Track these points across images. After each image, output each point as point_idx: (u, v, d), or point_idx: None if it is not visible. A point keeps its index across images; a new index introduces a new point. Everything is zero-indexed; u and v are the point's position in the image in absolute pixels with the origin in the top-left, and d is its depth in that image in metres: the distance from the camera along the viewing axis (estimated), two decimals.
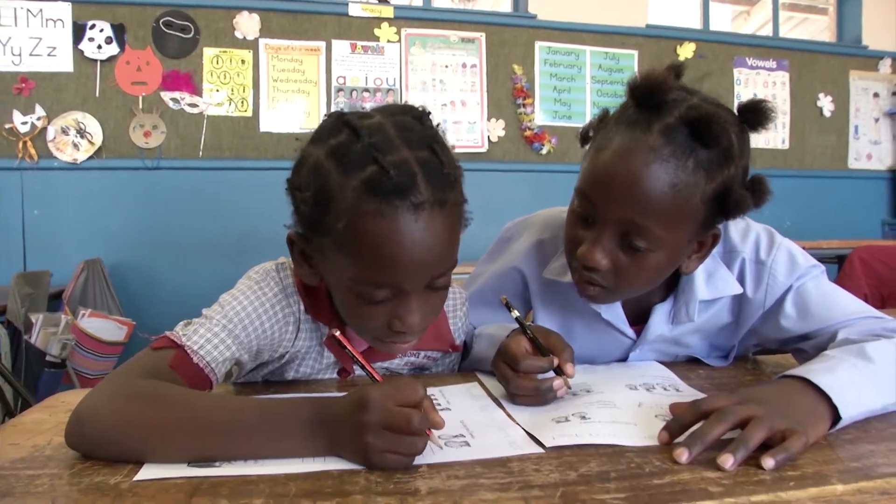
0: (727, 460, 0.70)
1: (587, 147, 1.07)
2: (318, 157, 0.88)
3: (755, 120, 0.99)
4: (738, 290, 1.14)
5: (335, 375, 1.14)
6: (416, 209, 0.83)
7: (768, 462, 0.70)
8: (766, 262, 1.13)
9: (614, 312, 1.19)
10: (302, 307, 1.05)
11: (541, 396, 0.94)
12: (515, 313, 1.03)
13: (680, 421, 0.79)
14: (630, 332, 1.21)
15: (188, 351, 0.90)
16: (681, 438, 0.77)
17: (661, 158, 0.93)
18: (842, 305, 1.10)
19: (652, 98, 0.96)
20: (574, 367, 0.97)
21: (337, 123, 0.90)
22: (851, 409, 0.83)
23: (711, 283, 1.15)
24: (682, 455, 0.73)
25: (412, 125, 0.89)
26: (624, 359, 1.25)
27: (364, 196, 0.82)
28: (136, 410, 0.77)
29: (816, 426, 0.80)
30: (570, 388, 0.96)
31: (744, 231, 1.17)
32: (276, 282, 1.03)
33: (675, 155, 0.93)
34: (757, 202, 0.98)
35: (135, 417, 0.76)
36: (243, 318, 0.97)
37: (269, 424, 0.76)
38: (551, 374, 0.96)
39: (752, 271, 1.15)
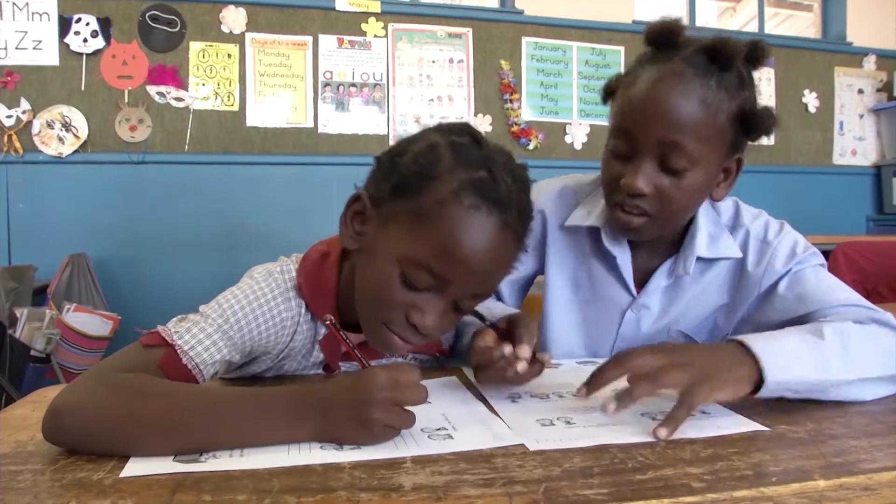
0: (660, 432, 0.79)
1: (611, 103, 1.16)
2: (437, 140, 0.93)
3: (754, 57, 1.09)
4: (738, 254, 1.21)
5: (320, 371, 1.14)
6: (503, 226, 0.89)
7: (661, 432, 0.79)
8: (771, 242, 1.20)
9: (625, 260, 1.25)
10: (303, 308, 1.05)
11: (502, 371, 0.97)
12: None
13: (602, 374, 0.87)
14: (632, 286, 1.27)
15: (178, 351, 0.89)
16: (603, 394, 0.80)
17: (686, 80, 1.03)
18: (837, 293, 1.13)
19: (668, 38, 1.08)
20: (528, 349, 0.98)
21: (462, 129, 0.97)
22: (779, 373, 0.87)
23: (713, 244, 1.22)
24: (582, 393, 0.86)
25: (516, 166, 0.96)
26: (618, 325, 1.30)
27: (468, 189, 0.87)
28: (118, 402, 0.77)
29: (732, 383, 0.87)
30: (548, 364, 1.02)
31: (756, 214, 1.26)
32: (277, 283, 1.03)
33: (698, 76, 1.04)
34: (770, 124, 1.09)
35: (118, 409, 0.76)
36: (240, 318, 0.97)
37: (255, 411, 0.77)
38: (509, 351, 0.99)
39: (756, 248, 1.21)
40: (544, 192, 1.35)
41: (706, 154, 1.07)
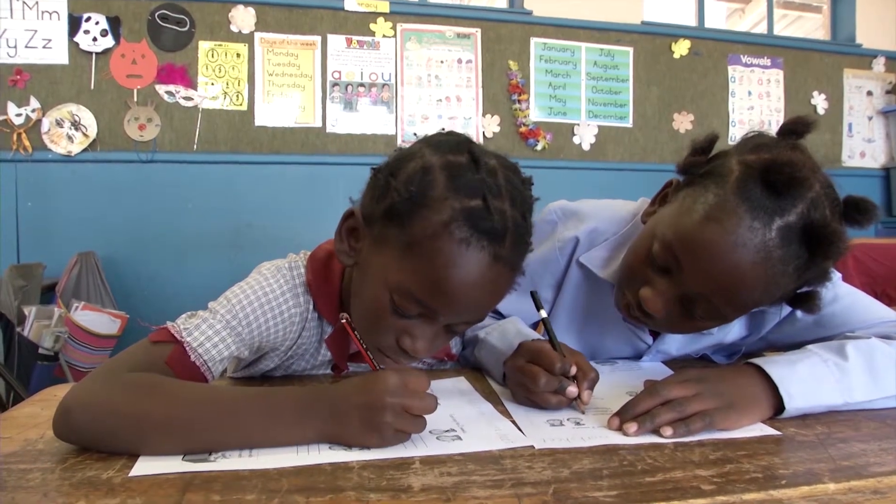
0: (665, 430, 0.81)
1: (681, 182, 1.05)
2: (431, 162, 0.87)
3: (856, 220, 0.95)
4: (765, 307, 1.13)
5: (329, 371, 1.14)
6: (494, 259, 0.84)
7: (667, 431, 0.80)
8: None
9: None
10: (311, 305, 1.05)
11: (559, 398, 0.92)
12: (543, 313, 1.02)
13: (636, 406, 0.85)
14: (648, 338, 1.23)
15: (187, 348, 0.89)
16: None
17: (769, 261, 0.90)
18: (856, 313, 1.10)
19: (787, 190, 0.90)
20: (591, 395, 0.94)
21: (461, 145, 0.90)
22: (798, 401, 0.87)
23: None
24: (613, 424, 0.84)
25: (518, 186, 0.90)
26: (631, 359, 1.27)
27: (460, 221, 0.83)
28: (129, 401, 0.77)
29: (750, 412, 0.86)
30: (583, 411, 0.93)
31: None
32: (286, 279, 1.02)
33: (783, 261, 0.91)
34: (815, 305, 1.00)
35: (128, 408, 0.76)
36: (248, 313, 0.96)
37: (264, 411, 0.77)
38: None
39: None
40: (591, 219, 1.25)
41: (733, 317, 1.03)
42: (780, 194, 0.90)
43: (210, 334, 0.92)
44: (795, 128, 1.00)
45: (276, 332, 1.01)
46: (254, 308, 0.97)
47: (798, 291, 0.99)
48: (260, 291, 0.99)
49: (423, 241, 0.84)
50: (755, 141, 1.01)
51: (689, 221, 0.96)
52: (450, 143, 0.91)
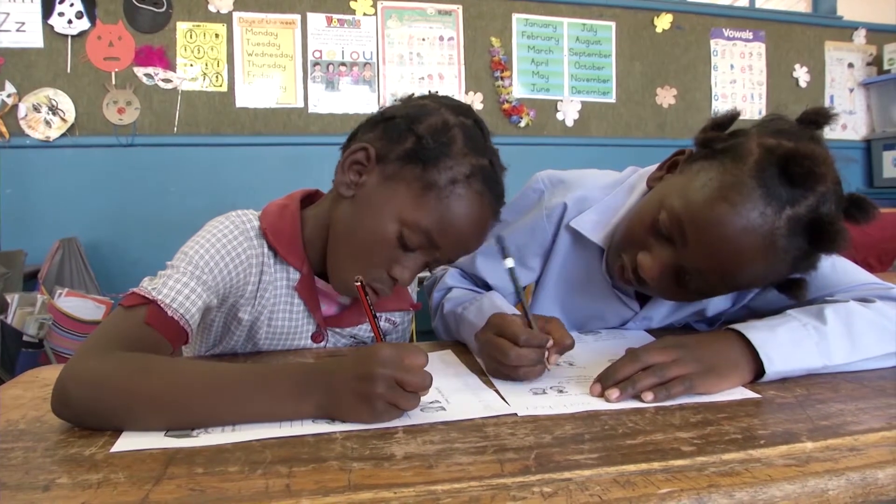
0: (646, 395, 0.83)
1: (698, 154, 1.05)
2: (450, 119, 1.02)
3: (855, 218, 0.96)
4: None
5: (309, 341, 1.15)
6: (493, 213, 1.06)
7: (648, 396, 0.82)
8: None
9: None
10: (265, 249, 1.08)
11: (534, 368, 0.92)
12: (510, 262, 1.00)
13: (616, 371, 0.87)
14: (635, 305, 1.24)
15: (161, 305, 0.91)
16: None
17: (773, 248, 0.92)
18: (841, 276, 1.10)
19: (803, 182, 0.91)
20: (557, 358, 0.95)
21: (467, 111, 1.07)
22: (778, 364, 0.89)
23: None
24: (595, 390, 0.85)
25: (499, 156, 1.08)
26: (616, 327, 1.28)
27: (478, 175, 1.00)
28: (127, 380, 0.77)
29: (730, 375, 0.88)
30: (548, 368, 0.95)
31: None
32: (235, 225, 1.06)
33: (785, 249, 0.93)
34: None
35: (127, 387, 0.76)
36: (208, 260, 1.00)
37: (260, 386, 0.78)
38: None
39: None
40: (579, 187, 1.25)
41: (723, 292, 1.09)
42: (795, 185, 0.91)
43: (179, 288, 0.94)
44: (817, 118, 1.01)
45: (236, 274, 1.04)
46: (212, 255, 1.00)
47: (788, 277, 1.01)
48: (213, 239, 1.02)
49: (446, 186, 0.98)
50: (776, 125, 1.00)
51: (702, 197, 0.96)
52: (459, 107, 1.07)
